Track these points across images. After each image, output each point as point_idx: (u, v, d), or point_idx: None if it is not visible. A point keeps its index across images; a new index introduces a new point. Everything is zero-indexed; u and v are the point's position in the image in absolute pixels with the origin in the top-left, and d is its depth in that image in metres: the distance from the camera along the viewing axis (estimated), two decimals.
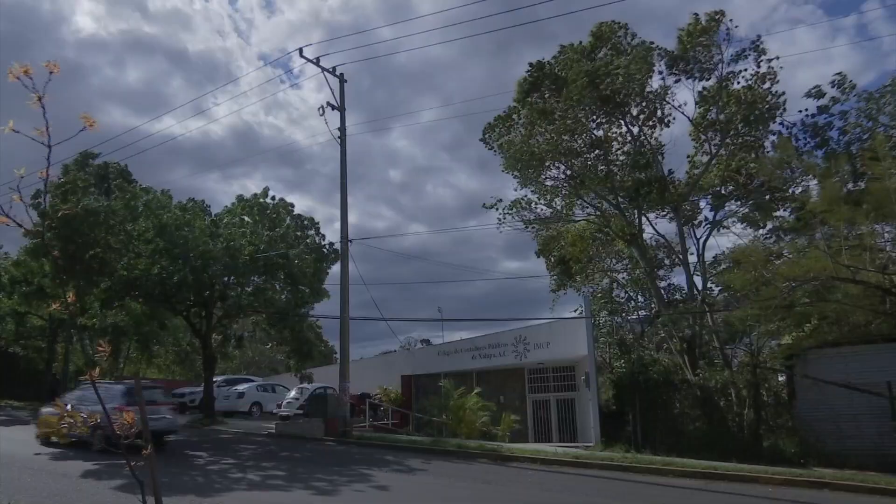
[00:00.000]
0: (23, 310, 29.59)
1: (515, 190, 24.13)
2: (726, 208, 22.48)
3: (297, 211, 25.65)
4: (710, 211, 22.82)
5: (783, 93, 20.07)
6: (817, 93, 19.12)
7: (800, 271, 14.44)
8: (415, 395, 29.32)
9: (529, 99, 21.66)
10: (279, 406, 26.37)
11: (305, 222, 25.58)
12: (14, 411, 26.57)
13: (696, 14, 20.15)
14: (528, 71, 21.66)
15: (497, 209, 24.20)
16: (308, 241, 25.01)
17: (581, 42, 21.39)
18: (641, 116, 21.46)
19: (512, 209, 24.14)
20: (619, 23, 21.14)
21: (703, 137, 21.95)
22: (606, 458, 14.56)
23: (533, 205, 24.14)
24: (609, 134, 21.85)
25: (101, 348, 3.11)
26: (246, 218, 24.09)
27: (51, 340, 33.53)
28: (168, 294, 22.47)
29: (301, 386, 26.53)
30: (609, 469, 13.42)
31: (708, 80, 20.62)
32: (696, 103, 21.43)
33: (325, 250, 25.03)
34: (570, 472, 13.23)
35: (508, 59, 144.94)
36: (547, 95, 21.45)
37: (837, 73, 18.94)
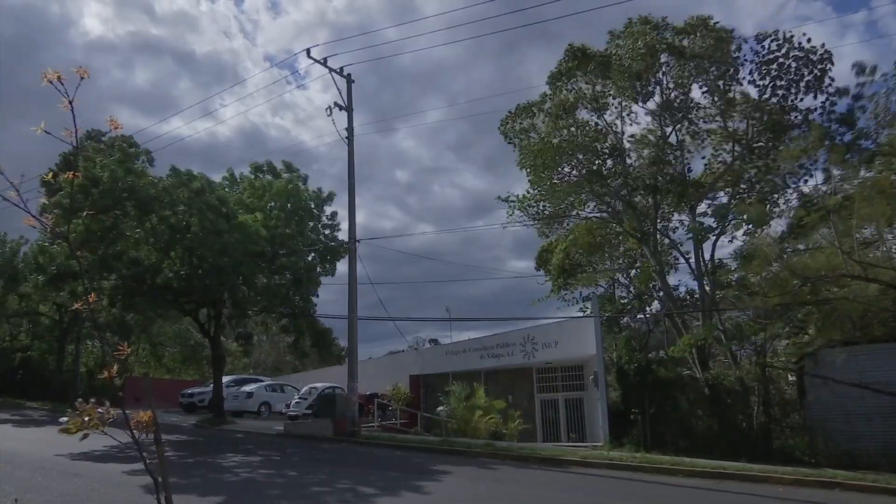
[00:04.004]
0: (38, 298, 28.59)
1: (527, 192, 23.86)
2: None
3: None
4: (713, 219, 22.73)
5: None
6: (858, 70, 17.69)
7: (813, 269, 14.32)
8: (423, 394, 29.36)
9: (560, 83, 21.51)
10: (288, 406, 26.46)
11: (319, 204, 24.00)
12: (27, 411, 26.78)
13: None
14: (567, 52, 21.36)
15: (509, 201, 23.96)
16: (319, 226, 24.00)
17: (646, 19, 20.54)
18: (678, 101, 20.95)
19: (522, 203, 23.85)
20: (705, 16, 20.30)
21: (725, 147, 21.73)
22: (615, 457, 14.50)
23: (541, 205, 23.96)
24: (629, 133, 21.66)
25: (120, 348, 3.12)
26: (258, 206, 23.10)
27: (61, 339, 33.69)
28: (178, 293, 22.43)
29: (310, 386, 26.61)
30: (618, 469, 13.36)
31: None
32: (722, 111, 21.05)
33: (333, 244, 23.89)
34: (578, 472, 13.18)
35: (514, 58, 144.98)
36: (587, 75, 21.04)
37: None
